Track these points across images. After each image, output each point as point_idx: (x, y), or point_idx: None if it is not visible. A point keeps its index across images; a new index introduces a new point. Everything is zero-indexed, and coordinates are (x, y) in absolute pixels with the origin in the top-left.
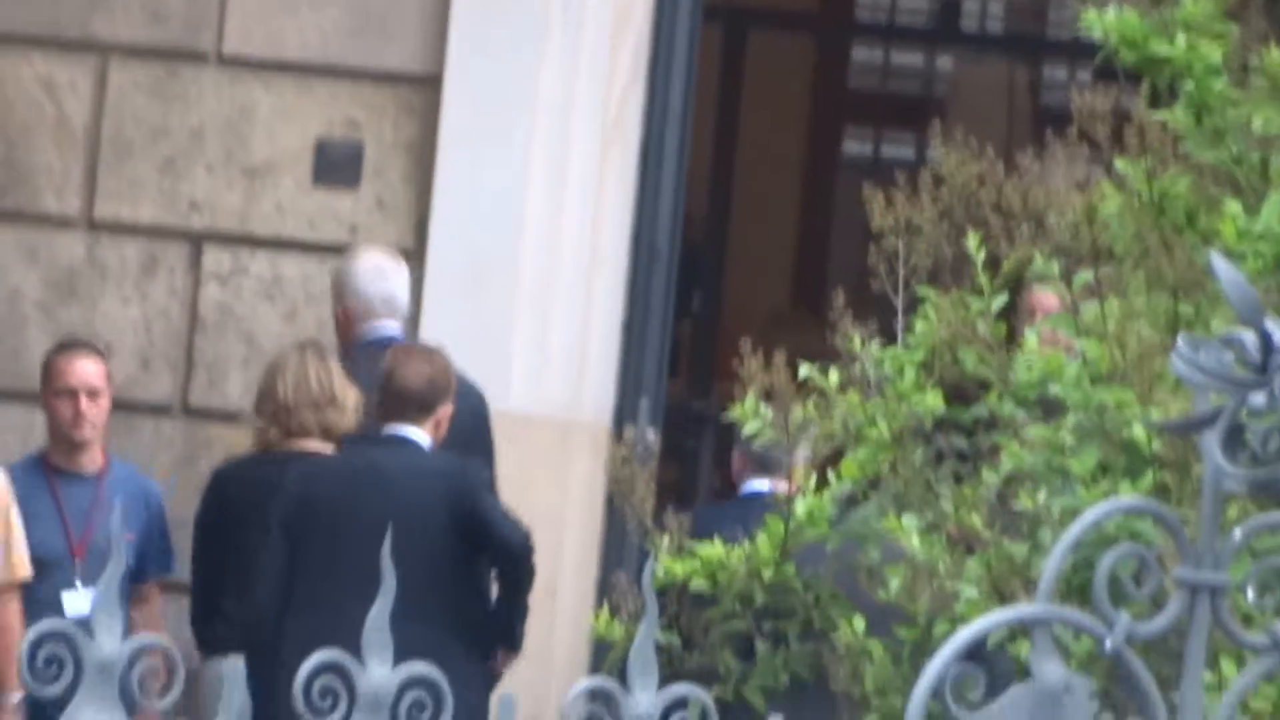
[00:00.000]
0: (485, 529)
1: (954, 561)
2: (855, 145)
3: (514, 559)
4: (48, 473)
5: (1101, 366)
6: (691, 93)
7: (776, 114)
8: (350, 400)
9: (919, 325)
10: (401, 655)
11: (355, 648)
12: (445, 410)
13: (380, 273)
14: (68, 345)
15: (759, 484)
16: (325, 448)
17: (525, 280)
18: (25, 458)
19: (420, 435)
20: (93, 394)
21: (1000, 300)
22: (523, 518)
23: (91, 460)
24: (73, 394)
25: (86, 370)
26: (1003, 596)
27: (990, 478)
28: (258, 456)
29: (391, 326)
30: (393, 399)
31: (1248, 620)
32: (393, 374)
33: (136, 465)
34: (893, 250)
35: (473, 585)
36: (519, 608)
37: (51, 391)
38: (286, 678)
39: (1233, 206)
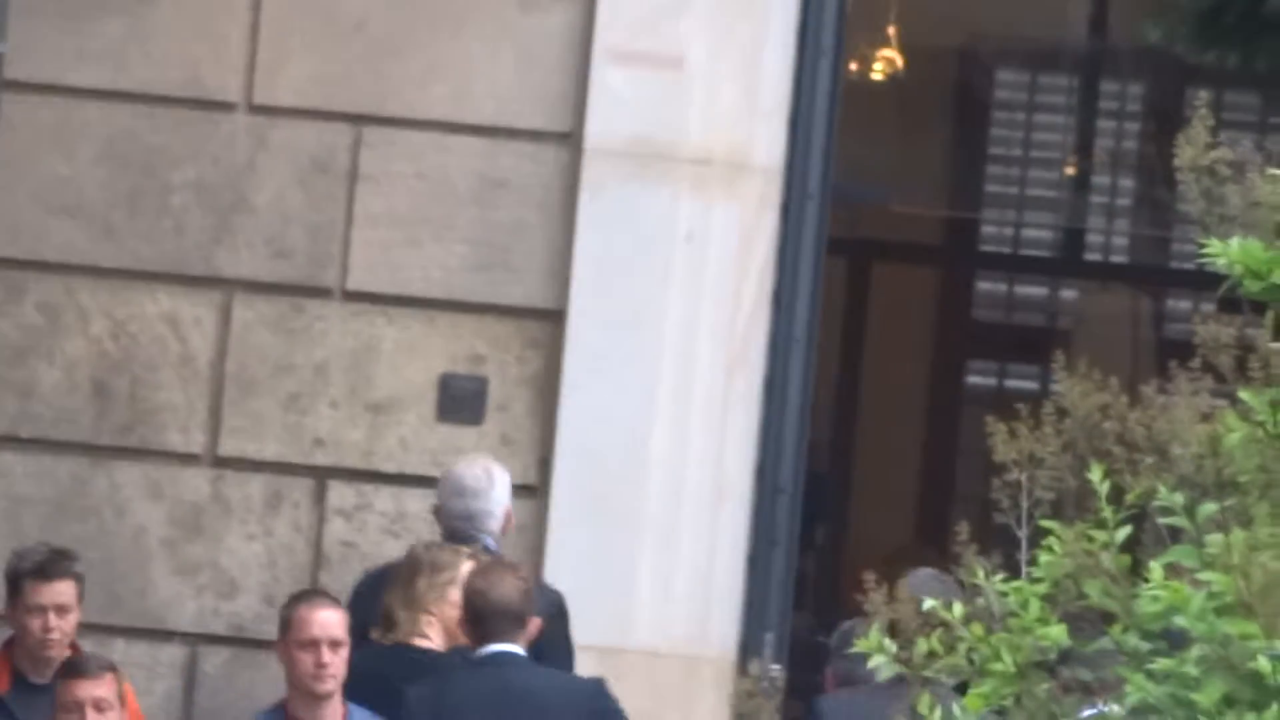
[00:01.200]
0: None
1: None
2: (979, 376)
3: None
4: None
5: (1226, 598)
6: (816, 322)
7: (900, 344)
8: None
9: (1042, 557)
10: None
11: None
12: (535, 623)
13: (458, 491)
14: (308, 595)
15: None
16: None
17: (650, 513)
18: (265, 710)
19: (520, 650)
20: (334, 645)
21: (1124, 532)
22: None
23: (333, 711)
24: (315, 644)
25: (329, 620)
26: None
27: (1116, 711)
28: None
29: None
30: (493, 616)
31: None
32: (486, 592)
33: (371, 713)
34: (1016, 482)
35: None
36: None
37: (294, 642)
38: None
39: None
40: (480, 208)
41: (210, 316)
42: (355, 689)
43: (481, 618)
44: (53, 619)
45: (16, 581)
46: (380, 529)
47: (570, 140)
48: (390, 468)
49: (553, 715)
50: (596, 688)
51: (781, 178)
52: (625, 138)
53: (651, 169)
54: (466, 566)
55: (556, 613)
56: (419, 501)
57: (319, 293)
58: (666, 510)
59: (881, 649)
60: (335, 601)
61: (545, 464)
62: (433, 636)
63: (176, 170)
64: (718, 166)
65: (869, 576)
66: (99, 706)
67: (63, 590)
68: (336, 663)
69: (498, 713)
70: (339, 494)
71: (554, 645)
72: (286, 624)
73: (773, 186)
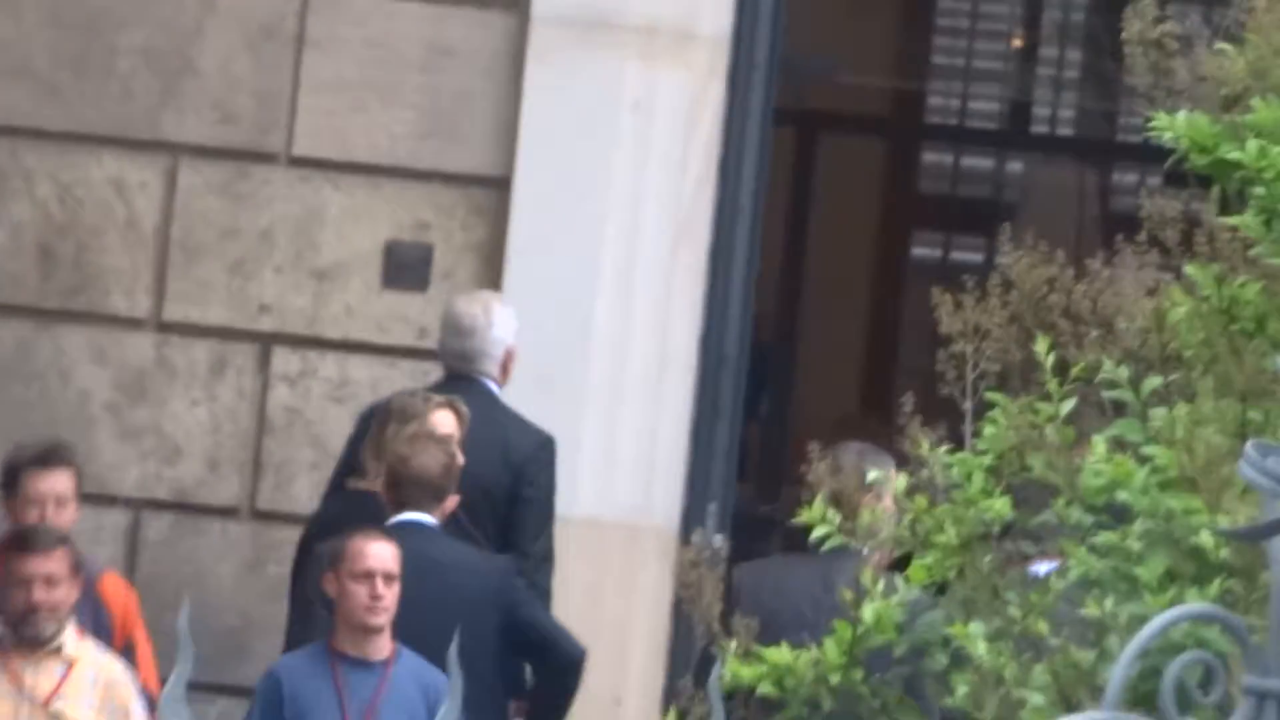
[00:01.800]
0: (542, 639)
1: (1021, 668)
2: (924, 249)
3: (568, 670)
4: (333, 660)
5: (1170, 473)
6: (762, 194)
7: (846, 216)
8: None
9: (987, 430)
10: None
11: None
12: (453, 499)
13: (455, 330)
14: (364, 528)
15: None
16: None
17: (594, 383)
18: (311, 646)
19: (433, 521)
20: (389, 578)
21: (1069, 405)
22: (590, 622)
23: (381, 648)
24: (370, 577)
25: (384, 553)
26: (1069, 704)
27: (1057, 584)
28: None
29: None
30: (408, 484)
31: None
32: (408, 459)
33: (424, 660)
34: (961, 354)
35: (508, 685)
36: (560, 713)
37: (347, 574)
38: None
39: None
40: (427, 74)
41: (156, 181)
42: (318, 536)
43: (398, 484)
44: (50, 510)
45: (13, 472)
46: (324, 395)
47: (518, 7)
48: (335, 334)
49: (456, 590)
50: (505, 574)
51: (729, 47)
52: (572, 5)
53: (598, 37)
54: (438, 416)
55: (537, 453)
56: (363, 368)
57: (265, 158)
58: (611, 379)
59: (825, 520)
60: (389, 534)
61: None
62: None
63: (123, 33)
64: (665, 35)
65: (813, 446)
66: (49, 581)
67: (60, 480)
68: (390, 597)
69: (405, 577)
70: (283, 360)
71: (532, 485)
72: (339, 555)
73: (720, 56)
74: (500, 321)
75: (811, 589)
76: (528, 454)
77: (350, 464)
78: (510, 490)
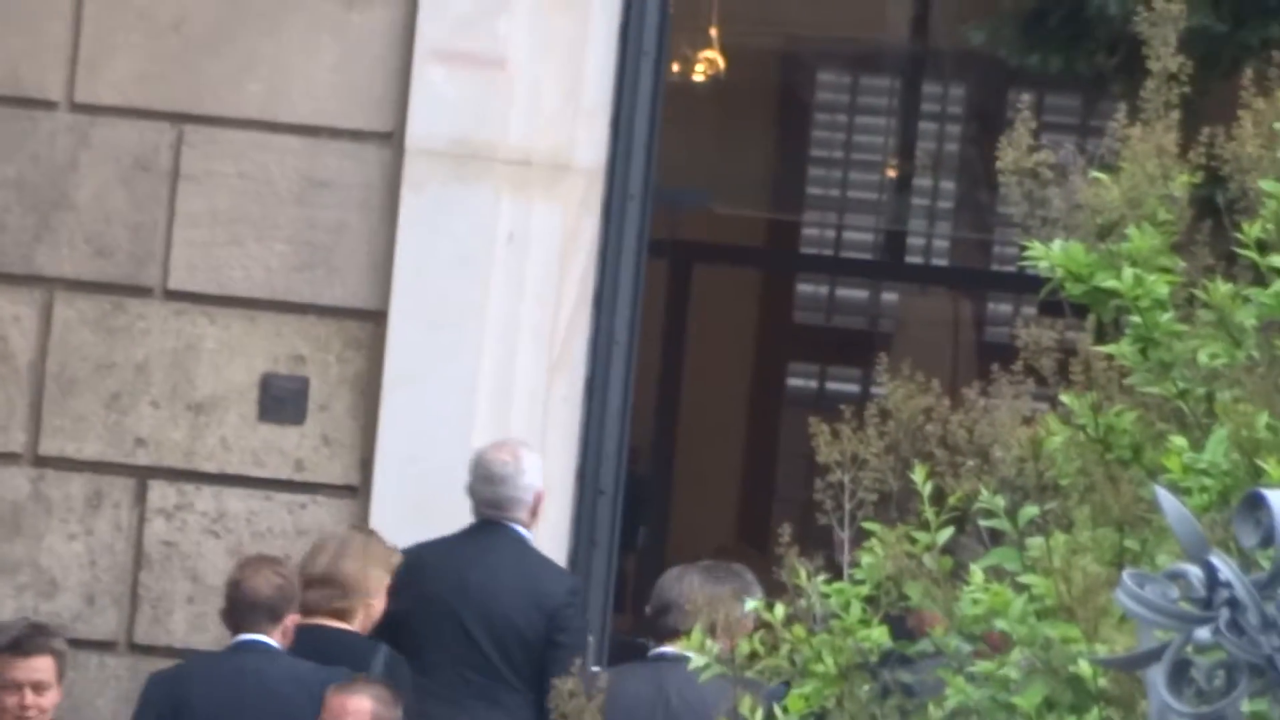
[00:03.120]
0: None
1: None
2: (800, 379)
3: None
4: None
5: (1047, 601)
6: (637, 324)
7: (722, 346)
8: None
9: (865, 559)
10: None
11: None
12: (293, 618)
13: (485, 477)
14: (350, 683)
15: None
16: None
17: (471, 516)
18: None
19: (269, 641)
20: None
21: (946, 534)
22: None
23: None
24: None
25: (360, 709)
26: None
27: (936, 713)
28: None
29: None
30: (243, 606)
31: None
32: (240, 583)
33: None
34: (838, 484)
35: None
36: None
37: None
38: None
39: (1178, 441)
40: (302, 207)
41: (31, 315)
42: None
43: (234, 607)
44: (29, 696)
45: None
46: (201, 529)
47: (392, 140)
48: (211, 467)
49: (285, 703)
50: (328, 679)
51: (603, 178)
52: (447, 138)
53: (473, 169)
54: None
55: (570, 598)
56: (240, 501)
57: (140, 291)
58: None
59: (703, 649)
60: (369, 686)
61: (367, 465)
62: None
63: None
64: (539, 167)
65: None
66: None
67: (40, 666)
68: None
69: (231, 698)
70: (160, 493)
71: (566, 631)
72: (324, 706)
73: (594, 187)
74: (529, 468)
75: (647, 696)
76: (560, 600)
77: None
78: (545, 635)
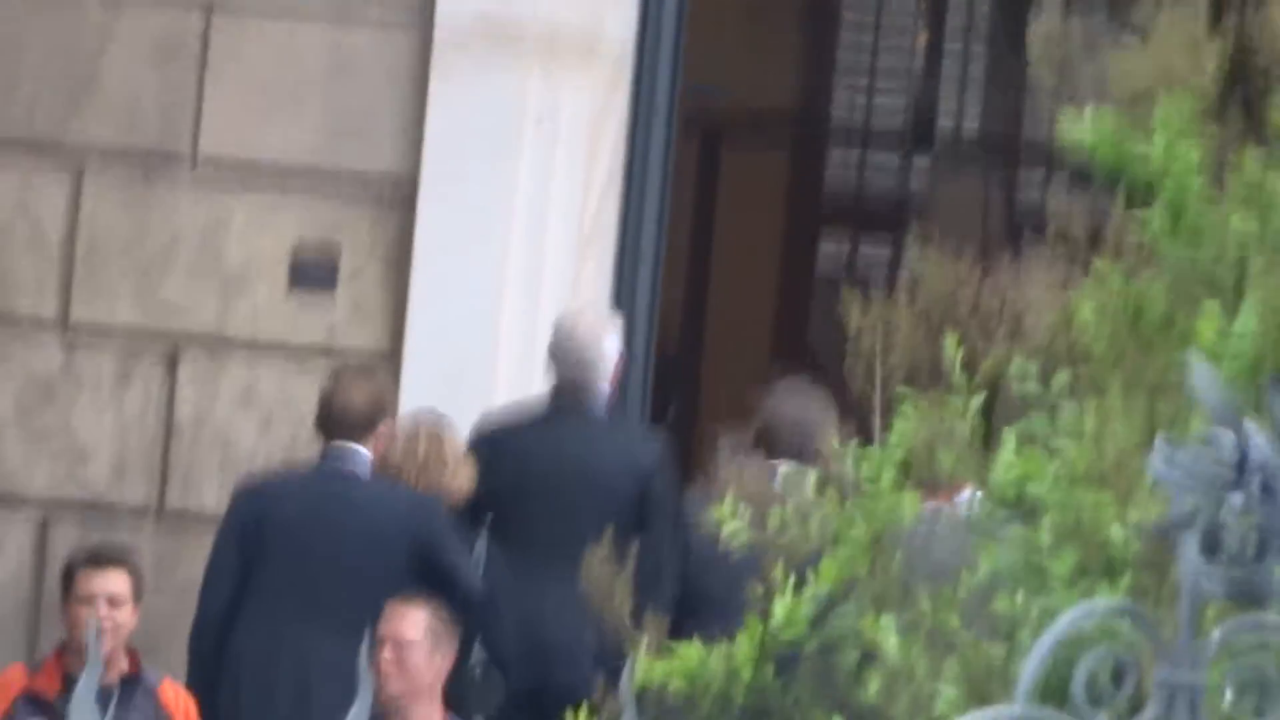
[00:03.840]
0: (445, 575)
1: (932, 663)
2: (831, 249)
3: (468, 608)
4: None
5: (1080, 468)
6: (666, 202)
7: (752, 222)
8: (456, 464)
9: (897, 426)
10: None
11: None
12: (387, 425)
13: (569, 338)
14: (409, 601)
15: None
16: None
17: (501, 385)
18: None
19: (361, 450)
20: (399, 644)
21: (978, 400)
22: None
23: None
24: (382, 643)
25: (401, 616)
26: (981, 698)
27: (969, 579)
28: None
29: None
30: (335, 417)
31: None
32: (333, 394)
33: None
34: (870, 352)
35: None
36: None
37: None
38: (229, 694)
39: (1210, 308)
40: (333, 79)
41: (62, 187)
42: None
43: (327, 418)
44: (104, 609)
45: (69, 572)
46: (231, 400)
47: (421, 21)
48: (242, 338)
49: (367, 519)
50: (421, 506)
51: (632, 56)
52: (475, 18)
53: (502, 47)
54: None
55: (659, 459)
56: (270, 372)
57: (171, 161)
58: (518, 388)
59: (734, 518)
60: (435, 605)
61: (398, 333)
62: None
63: (26, 55)
64: (568, 47)
65: (723, 446)
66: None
67: (116, 580)
68: (406, 663)
69: (314, 512)
70: (191, 364)
71: (658, 495)
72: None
73: (623, 67)
74: (611, 330)
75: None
76: (653, 464)
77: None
78: (639, 500)
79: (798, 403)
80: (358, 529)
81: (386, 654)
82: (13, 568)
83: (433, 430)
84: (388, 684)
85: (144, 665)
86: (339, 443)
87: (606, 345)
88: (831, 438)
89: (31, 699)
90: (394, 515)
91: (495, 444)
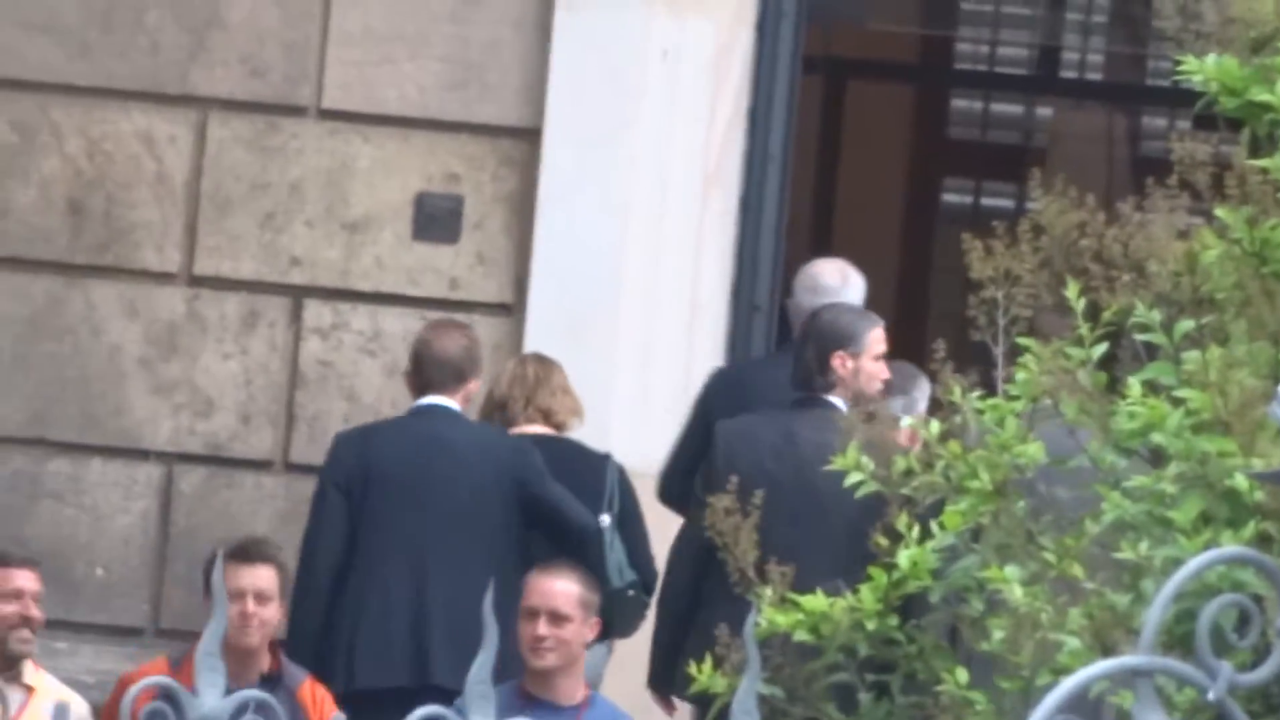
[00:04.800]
0: (552, 511)
1: (1057, 612)
2: (954, 195)
3: (581, 542)
4: (522, 703)
5: (1203, 416)
6: (791, 141)
7: (875, 163)
8: (563, 388)
9: (1020, 375)
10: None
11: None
12: (475, 384)
13: (813, 288)
14: (548, 563)
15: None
16: (545, 430)
17: (625, 333)
18: (503, 686)
19: (452, 404)
20: (555, 618)
21: (1100, 349)
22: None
23: (568, 693)
24: (534, 615)
25: (550, 590)
26: (1106, 647)
27: (1091, 528)
28: None
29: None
30: (429, 367)
31: None
32: (430, 343)
33: (618, 705)
34: (992, 300)
35: (523, 561)
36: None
37: (521, 610)
38: (343, 646)
39: None
40: (456, 25)
41: (185, 135)
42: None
43: (419, 368)
44: (251, 605)
45: (213, 565)
46: (356, 348)
47: None
48: (366, 286)
49: (469, 468)
50: (518, 449)
51: None
52: None
53: None
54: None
55: (619, 492)
56: (395, 320)
57: (294, 111)
58: (642, 328)
59: (859, 466)
60: (573, 570)
61: (521, 282)
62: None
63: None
64: None
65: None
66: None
67: (263, 575)
68: (562, 636)
69: (416, 459)
70: (315, 313)
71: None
72: (527, 588)
73: (747, 4)
74: (854, 284)
75: (774, 442)
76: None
77: (688, 447)
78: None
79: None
80: (460, 474)
81: (541, 629)
82: (138, 520)
83: (539, 355)
84: (544, 658)
85: (285, 663)
86: (431, 396)
87: (847, 293)
88: (952, 384)
89: (169, 695)
90: (493, 458)
91: (734, 431)
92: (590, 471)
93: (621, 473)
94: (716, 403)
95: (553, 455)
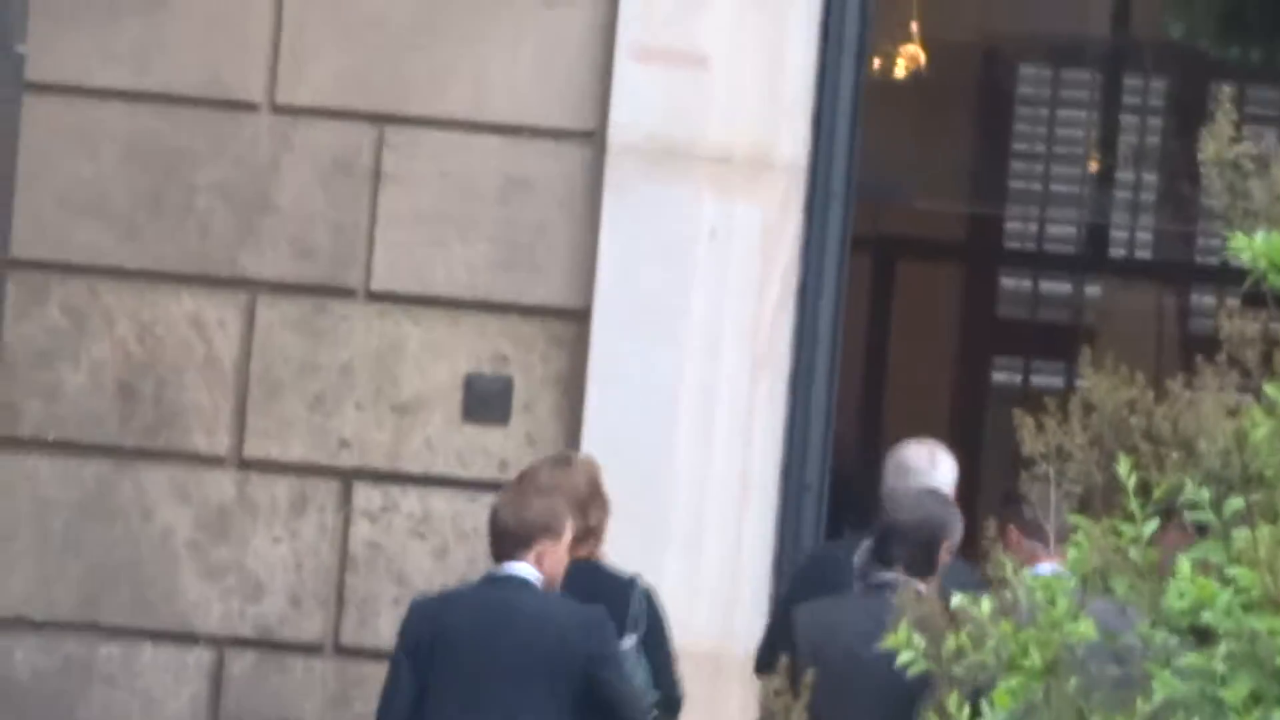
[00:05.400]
0: (610, 699)
1: None
2: (1004, 373)
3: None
4: None
5: (1253, 593)
6: (840, 320)
7: (925, 342)
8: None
9: (1070, 552)
10: None
11: None
12: (545, 547)
13: (902, 471)
14: None
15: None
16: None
17: (676, 512)
18: None
19: (525, 571)
20: None
21: (1151, 527)
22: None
23: None
24: None
25: None
26: None
27: (1143, 707)
28: None
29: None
30: (498, 535)
31: None
32: (499, 510)
33: None
34: (1044, 476)
35: None
36: None
37: None
38: None
39: None
40: (504, 206)
41: (235, 318)
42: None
43: (489, 535)
44: None
45: None
46: (407, 531)
47: (593, 138)
48: (416, 469)
49: (535, 639)
50: (588, 624)
51: (805, 175)
52: (648, 135)
53: (674, 166)
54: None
55: (646, 614)
56: (445, 502)
57: (343, 293)
58: (692, 509)
59: (910, 645)
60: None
61: None
62: None
63: (200, 171)
64: (741, 164)
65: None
66: None
67: None
68: None
69: (482, 628)
70: (365, 495)
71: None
72: None
73: (796, 184)
74: (944, 466)
75: (863, 625)
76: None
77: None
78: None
79: (920, 507)
80: (524, 645)
81: None
82: (188, 704)
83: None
84: None
85: None
86: (504, 563)
87: (938, 475)
88: (1004, 561)
89: None
90: (560, 632)
91: (809, 622)
92: (616, 593)
93: (649, 596)
94: (800, 582)
95: (578, 576)
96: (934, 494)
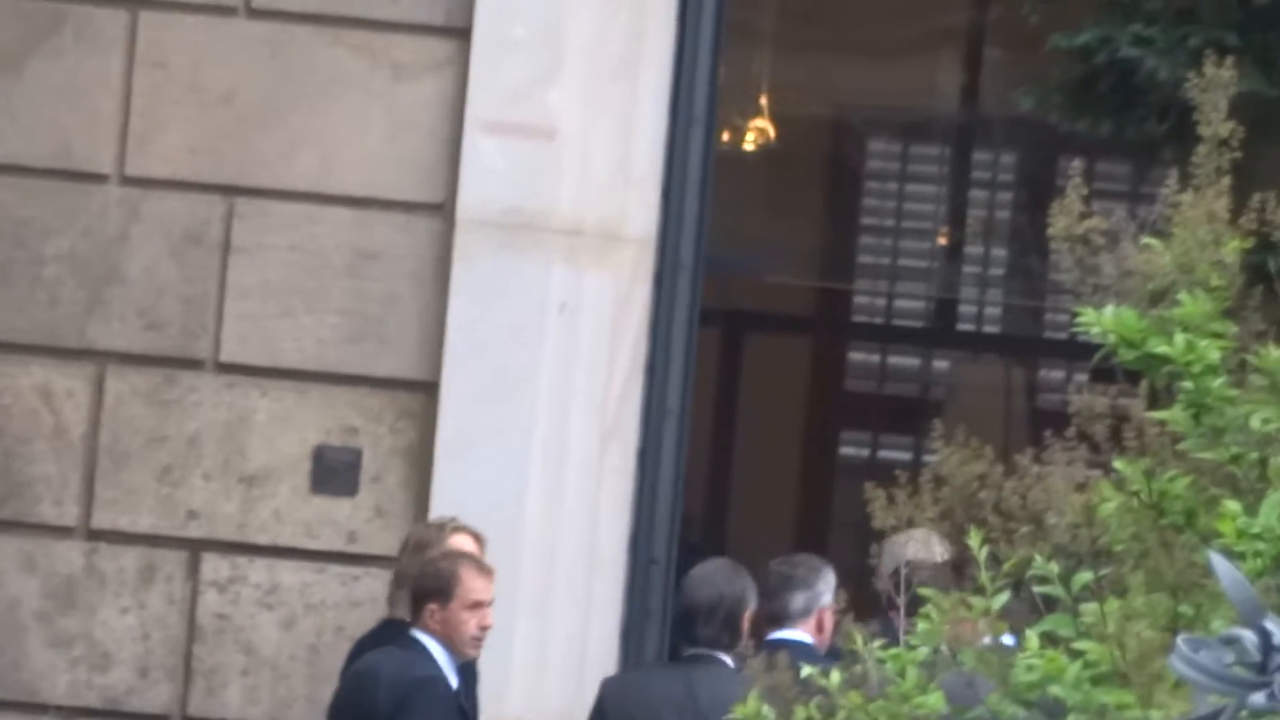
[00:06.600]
0: None
1: None
2: (852, 447)
3: None
4: None
5: (1102, 667)
6: (689, 393)
7: (773, 415)
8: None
9: (921, 625)
10: None
11: None
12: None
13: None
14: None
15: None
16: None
17: (524, 584)
18: None
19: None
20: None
21: (1001, 600)
22: None
23: None
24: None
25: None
26: None
27: None
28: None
29: None
30: (685, 615)
31: None
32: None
33: None
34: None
35: None
36: None
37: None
38: None
39: (1232, 506)
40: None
41: (83, 388)
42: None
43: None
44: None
45: None
46: (254, 601)
47: (443, 210)
48: (264, 540)
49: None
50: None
51: (654, 248)
52: (498, 208)
53: (524, 239)
54: (455, 540)
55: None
56: (293, 574)
57: (192, 364)
58: (540, 581)
59: (760, 716)
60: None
61: None
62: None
63: (48, 242)
64: (590, 236)
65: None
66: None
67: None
68: None
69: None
70: (213, 566)
71: None
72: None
73: (645, 256)
74: (938, 553)
75: (674, 693)
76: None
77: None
78: None
79: (720, 580)
80: None
81: None
82: None
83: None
84: None
85: None
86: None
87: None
88: (854, 633)
89: None
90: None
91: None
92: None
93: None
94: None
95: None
96: (721, 567)
